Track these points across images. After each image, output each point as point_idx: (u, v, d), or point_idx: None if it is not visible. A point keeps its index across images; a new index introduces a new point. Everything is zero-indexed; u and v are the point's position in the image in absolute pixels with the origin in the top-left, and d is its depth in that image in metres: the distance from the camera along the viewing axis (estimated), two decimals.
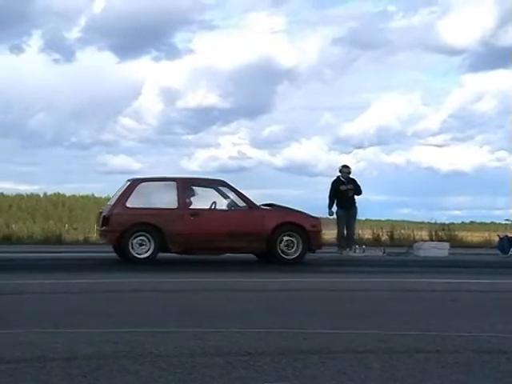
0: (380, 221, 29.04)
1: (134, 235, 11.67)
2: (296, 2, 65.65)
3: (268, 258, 12.15)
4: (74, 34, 70.41)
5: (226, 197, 12.27)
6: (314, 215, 12.84)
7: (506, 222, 20.95)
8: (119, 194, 12.33)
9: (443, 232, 19.88)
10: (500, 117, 63.54)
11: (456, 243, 18.34)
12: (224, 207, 12.25)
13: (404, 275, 10.58)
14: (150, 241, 11.72)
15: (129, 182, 12.40)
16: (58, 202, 60.71)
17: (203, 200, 12.30)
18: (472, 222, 45.83)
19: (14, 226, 24.42)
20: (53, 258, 13.18)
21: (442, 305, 7.30)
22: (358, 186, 14.48)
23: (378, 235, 19.22)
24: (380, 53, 68.09)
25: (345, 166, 14.65)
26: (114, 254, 14.03)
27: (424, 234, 20.52)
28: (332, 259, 13.17)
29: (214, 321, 5.83)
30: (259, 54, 59.32)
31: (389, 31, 60.94)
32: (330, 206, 14.41)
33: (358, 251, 14.37)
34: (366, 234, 19.10)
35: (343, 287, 8.84)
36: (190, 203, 12.12)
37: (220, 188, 12.33)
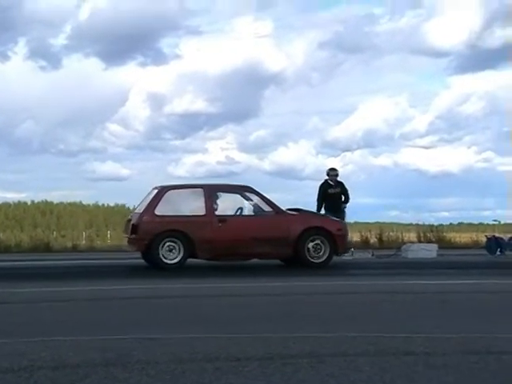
0: (368, 223, 29.17)
1: (163, 242, 11.81)
2: (282, 7, 65.98)
3: (294, 262, 12.28)
4: (60, 40, 70.46)
5: (252, 202, 12.42)
6: (338, 219, 13.06)
7: (494, 223, 21.10)
8: (147, 201, 12.43)
9: (431, 233, 19.97)
10: (487, 118, 64.02)
11: (444, 244, 18.41)
12: (251, 213, 12.41)
13: (393, 277, 10.61)
14: (179, 247, 11.87)
15: (156, 190, 12.53)
16: (45, 209, 60.52)
17: (230, 206, 12.50)
18: (460, 223, 46.06)
19: (1, 234, 24.33)
20: (41, 266, 13.13)
21: (430, 306, 7.32)
22: (346, 190, 14.51)
23: (367, 238, 19.26)
24: (366, 56, 68.53)
25: (332, 169, 14.68)
26: (103, 261, 14.03)
27: (412, 236, 20.59)
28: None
29: (204, 327, 5.83)
30: (246, 59, 59.50)
31: (375, 34, 61.33)
32: (319, 210, 14.41)
33: (346, 254, 14.38)
34: (355, 237, 19.12)
35: (332, 290, 8.85)
36: (217, 210, 12.24)
37: (246, 194, 12.49)
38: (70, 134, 68.96)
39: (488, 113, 63.00)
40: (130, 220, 12.64)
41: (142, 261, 13.97)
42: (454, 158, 70.07)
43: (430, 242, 18.52)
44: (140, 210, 12.51)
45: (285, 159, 62.45)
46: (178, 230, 11.87)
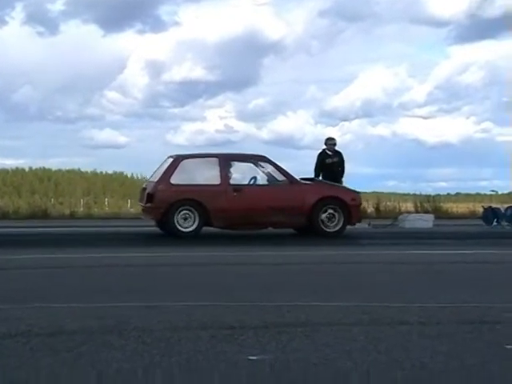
0: (366, 193, 29.16)
1: (179, 210, 11.93)
2: None
3: (307, 231, 12.40)
4: (57, 6, 69.77)
5: (266, 172, 12.49)
6: (353, 189, 13.14)
7: (491, 193, 21.13)
8: (162, 170, 12.51)
9: (428, 204, 20.02)
10: (486, 88, 63.82)
11: (441, 214, 18.50)
12: (265, 182, 12.50)
13: (389, 247, 10.66)
14: (194, 216, 11.99)
15: (171, 159, 12.61)
16: (43, 176, 60.47)
17: (245, 175, 12.60)
18: (458, 194, 46.16)
19: None
20: (39, 232, 13.17)
21: (426, 277, 7.37)
22: (343, 161, 14.47)
23: (364, 207, 19.26)
24: (366, 24, 68.10)
25: (330, 139, 14.62)
26: (101, 229, 14.05)
27: (410, 206, 20.66)
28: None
29: (203, 295, 5.84)
30: (245, 27, 59.04)
31: (375, 3, 60.88)
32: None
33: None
34: None
35: (328, 260, 8.89)
36: (232, 179, 12.33)
37: (261, 163, 12.54)
38: (68, 101, 68.75)
39: (487, 83, 62.83)
40: (145, 189, 12.74)
41: (141, 228, 14.05)
42: (452, 129, 70.04)
43: (426, 212, 18.57)
44: (155, 178, 12.59)
45: (283, 128, 62.38)
46: (193, 199, 11.99)
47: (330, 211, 12.25)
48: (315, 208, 12.17)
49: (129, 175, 64.50)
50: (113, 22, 69.72)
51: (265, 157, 12.71)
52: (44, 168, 60.08)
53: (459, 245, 10.88)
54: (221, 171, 12.23)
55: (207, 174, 12.29)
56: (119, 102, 69.33)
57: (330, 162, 14.30)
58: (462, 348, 3.99)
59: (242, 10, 65.91)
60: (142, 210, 12.97)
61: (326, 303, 5.33)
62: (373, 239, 12.30)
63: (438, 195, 24.86)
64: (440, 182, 55.10)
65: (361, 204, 13.21)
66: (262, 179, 12.54)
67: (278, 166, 12.55)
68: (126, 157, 68.96)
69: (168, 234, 12.20)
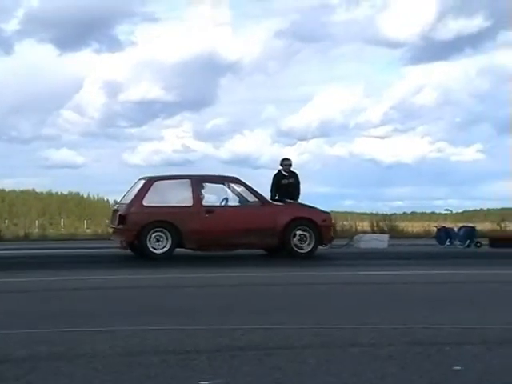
0: None
1: (151, 232, 11.92)
2: None
3: (279, 252, 12.48)
4: (12, 26, 68.99)
5: (238, 193, 12.58)
6: (324, 210, 13.22)
7: (446, 212, 21.44)
8: (134, 192, 12.49)
9: (384, 223, 20.26)
10: (440, 108, 64.92)
11: (397, 234, 18.72)
12: (237, 203, 12.55)
13: (343, 268, 10.76)
14: (167, 237, 11.98)
15: (143, 181, 12.61)
16: None
17: (217, 197, 12.66)
18: (413, 213, 46.74)
19: None
20: None
21: (379, 297, 7.44)
22: (299, 182, 14.54)
23: None
24: (323, 45, 68.70)
25: (285, 159, 14.66)
26: (54, 251, 13.87)
27: (366, 225, 20.86)
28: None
29: (158, 318, 5.81)
30: (203, 47, 59.13)
31: (331, 24, 61.54)
32: (272, 200, 14.43)
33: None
34: None
35: (282, 281, 8.93)
36: (204, 200, 12.38)
37: (232, 184, 12.63)
38: (23, 121, 67.76)
39: (441, 103, 63.89)
40: (116, 210, 12.71)
41: (95, 250, 13.91)
42: (407, 148, 70.89)
43: (382, 231, 18.78)
44: (127, 200, 12.56)
45: (240, 148, 62.39)
46: (166, 220, 12.00)
47: (302, 232, 12.34)
48: (287, 229, 12.26)
49: (85, 195, 63.89)
50: (69, 41, 69.16)
51: (236, 178, 12.81)
52: None
53: (412, 265, 11.02)
54: (193, 192, 12.28)
55: (180, 196, 12.33)
56: (76, 121, 68.49)
57: (286, 183, 14.35)
58: (411, 370, 4.04)
59: (200, 30, 66.12)
60: (113, 231, 12.91)
61: (280, 326, 5.35)
62: (327, 260, 12.39)
63: (394, 214, 25.15)
64: (396, 201, 55.78)
65: (332, 225, 13.36)
66: (233, 200, 12.62)
67: (250, 187, 12.65)
68: (83, 177, 68.24)
69: (140, 256, 12.17)
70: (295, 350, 4.54)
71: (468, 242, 15.37)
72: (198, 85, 59.10)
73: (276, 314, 6.06)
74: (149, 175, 12.89)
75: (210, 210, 12.25)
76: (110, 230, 13.42)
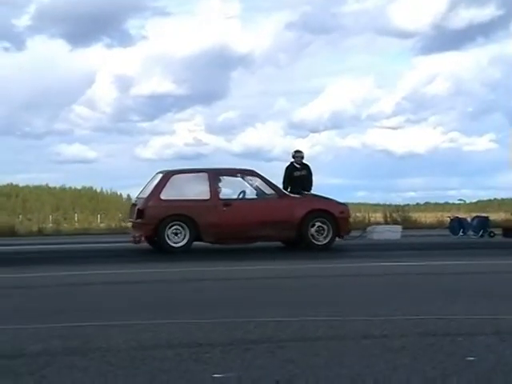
0: None
1: (169, 226, 12.00)
2: None
3: (296, 244, 12.54)
4: (23, 21, 69.35)
5: (255, 186, 12.64)
6: (342, 202, 13.26)
7: (459, 202, 21.33)
8: (152, 186, 12.58)
9: (397, 214, 20.19)
10: (452, 98, 64.72)
11: (410, 225, 18.67)
12: (254, 196, 12.62)
13: (357, 259, 10.75)
14: (184, 231, 12.07)
15: (161, 175, 12.70)
16: (11, 192, 59.82)
17: (234, 190, 12.75)
18: (426, 203, 46.66)
19: None
20: (5, 251, 13.01)
21: (392, 288, 7.44)
22: (311, 174, 14.53)
23: None
24: (333, 37, 68.65)
25: (297, 151, 14.66)
26: (68, 246, 13.95)
27: (379, 216, 20.81)
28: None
29: (171, 312, 5.84)
30: (213, 40, 59.21)
31: (342, 15, 61.44)
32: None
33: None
34: None
35: (297, 274, 8.93)
36: (221, 193, 12.47)
37: (249, 177, 12.69)
38: (36, 117, 68.17)
39: (453, 93, 63.71)
40: (134, 205, 12.83)
41: (109, 245, 13.97)
42: (420, 139, 70.75)
43: (395, 222, 18.74)
44: (145, 194, 12.66)
45: (253, 140, 62.51)
46: (184, 214, 12.08)
47: (319, 224, 12.37)
48: (304, 221, 12.30)
49: (98, 190, 64.13)
50: (80, 36, 69.53)
51: (253, 171, 12.86)
52: (12, 184, 59.48)
53: (425, 256, 11.00)
54: (210, 186, 12.34)
55: (197, 189, 12.40)
56: (88, 116, 68.96)
57: (299, 175, 14.35)
58: (424, 361, 4.04)
59: (211, 24, 66.10)
60: (132, 225, 13.03)
61: (293, 318, 5.35)
62: (341, 251, 12.37)
63: (408, 205, 25.05)
64: (409, 191, 55.77)
65: (349, 217, 13.40)
66: (250, 193, 12.69)
67: (267, 180, 12.70)
68: (95, 171, 68.56)
69: (159, 250, 12.25)
70: (308, 342, 4.55)
71: (481, 232, 15.32)
72: (209, 78, 59.22)
73: (288, 307, 6.07)
74: (166, 169, 12.97)
75: (228, 203, 12.31)
76: (129, 224, 13.53)
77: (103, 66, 71.66)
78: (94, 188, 63.61)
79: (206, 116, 70.61)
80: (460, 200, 21.24)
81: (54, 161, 67.68)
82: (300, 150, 14.80)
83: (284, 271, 9.24)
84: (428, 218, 23.52)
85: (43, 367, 3.93)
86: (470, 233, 15.44)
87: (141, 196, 12.92)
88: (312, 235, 12.35)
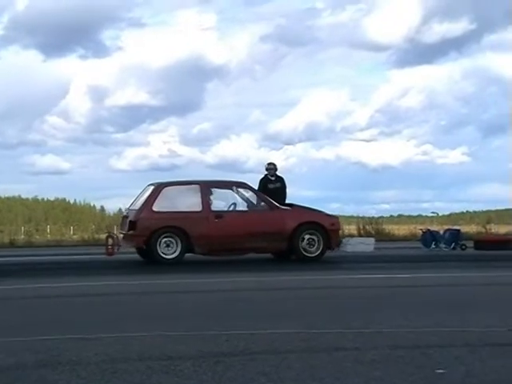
0: None
1: (161, 237, 12.05)
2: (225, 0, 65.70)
3: (286, 256, 12.69)
4: None
5: (246, 198, 12.76)
6: (332, 214, 13.39)
7: (432, 215, 21.51)
8: (143, 198, 12.64)
9: (371, 226, 20.32)
10: (425, 111, 65.40)
11: (383, 237, 18.80)
12: (245, 208, 12.71)
13: (330, 272, 10.80)
14: (176, 242, 12.11)
15: (152, 187, 12.75)
16: None
17: (225, 202, 12.80)
18: (400, 216, 46.99)
19: None
20: None
21: (364, 301, 7.47)
22: (285, 187, 14.56)
23: None
24: (308, 49, 69.10)
25: (270, 164, 14.68)
26: (39, 258, 13.81)
27: (353, 229, 20.91)
28: (259, 258, 13.24)
29: (141, 325, 5.81)
30: (189, 52, 59.28)
31: (317, 28, 61.90)
32: None
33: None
34: None
35: (269, 286, 8.93)
36: (213, 205, 12.53)
37: (240, 189, 12.82)
38: (9, 127, 67.60)
39: (426, 106, 64.40)
40: (126, 216, 12.87)
41: (81, 257, 13.87)
42: (393, 151, 71.42)
43: (369, 234, 18.84)
44: (136, 206, 12.70)
45: (227, 152, 62.57)
46: (176, 226, 12.13)
47: (310, 236, 12.47)
48: (296, 233, 12.40)
49: (71, 201, 63.63)
50: (54, 47, 69.20)
51: (244, 183, 13.01)
52: None
53: (397, 268, 11.06)
54: (202, 198, 12.41)
55: (189, 201, 12.46)
56: (61, 127, 68.57)
57: (273, 187, 14.37)
58: (394, 373, 4.07)
59: (186, 35, 66.18)
60: (123, 237, 13.04)
61: (265, 331, 5.36)
62: (314, 264, 12.39)
63: (381, 217, 25.28)
64: (383, 204, 56.16)
65: (340, 229, 13.53)
66: (242, 205, 12.78)
67: (258, 192, 12.82)
68: (69, 183, 68.07)
69: (150, 262, 12.27)
70: (280, 355, 4.55)
71: (453, 244, 15.45)
72: (185, 89, 59.20)
73: (261, 319, 6.08)
74: (157, 181, 13.03)
75: (219, 214, 12.39)
76: (120, 236, 13.60)
77: (77, 77, 71.30)
78: (67, 199, 63.16)
79: (180, 127, 70.58)
80: (433, 213, 21.42)
81: (27, 172, 67.25)
82: (273, 162, 14.82)
83: (255, 283, 9.24)
84: (401, 230, 23.68)
85: (14, 381, 3.90)
86: (442, 245, 15.57)
87: (132, 208, 12.97)
88: (303, 247, 12.46)
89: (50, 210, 60.88)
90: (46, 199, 62.16)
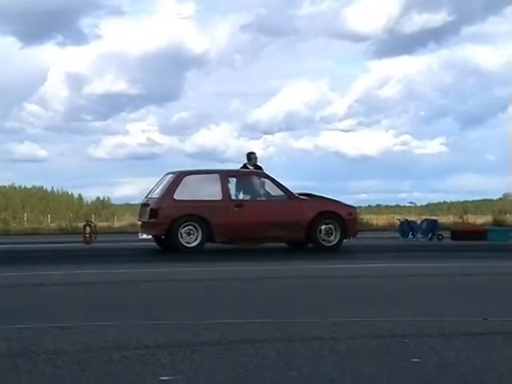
0: None
1: (182, 226, 12.09)
2: None
3: (303, 246, 12.80)
4: None
5: (265, 188, 12.82)
6: (349, 204, 13.55)
7: (410, 205, 21.65)
8: (163, 186, 12.66)
9: None
10: (404, 102, 65.73)
11: (361, 227, 18.81)
12: (264, 198, 12.78)
13: (306, 262, 10.83)
14: (197, 231, 12.16)
15: (173, 175, 12.78)
16: None
17: (245, 191, 12.88)
18: (378, 206, 47.28)
19: None
20: None
21: (340, 290, 7.50)
22: None
23: None
24: (288, 39, 68.97)
25: (252, 153, 14.71)
26: (16, 246, 13.71)
27: None
28: (234, 248, 13.23)
29: (117, 314, 5.79)
30: (168, 40, 58.97)
31: (297, 18, 61.80)
32: None
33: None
34: None
35: (243, 276, 8.93)
36: (233, 194, 12.70)
37: (260, 179, 12.90)
38: None
39: (405, 97, 64.66)
40: (146, 204, 12.86)
41: (58, 245, 13.79)
42: (372, 141, 71.69)
43: None
44: (156, 194, 12.73)
45: (206, 141, 62.46)
46: (197, 214, 12.18)
47: (328, 226, 12.54)
48: (314, 223, 12.46)
49: (49, 189, 63.18)
50: (32, 34, 68.36)
51: (264, 173, 13.19)
52: None
53: (374, 258, 11.14)
54: (222, 187, 12.49)
55: (209, 190, 12.54)
56: (39, 114, 67.83)
57: None
58: (370, 363, 4.09)
59: (165, 24, 65.80)
60: (142, 225, 13.12)
61: (242, 320, 5.36)
62: (292, 254, 12.45)
63: (359, 207, 25.41)
64: (361, 194, 56.27)
65: (357, 218, 13.66)
66: (261, 195, 12.87)
67: (277, 182, 12.87)
68: (46, 170, 67.57)
69: (170, 250, 12.31)
70: (256, 344, 4.55)
71: (430, 234, 15.58)
72: (164, 78, 58.92)
73: (239, 309, 6.09)
74: (177, 170, 13.08)
75: (239, 203, 12.47)
76: (139, 224, 13.63)
77: (56, 64, 70.67)
78: (45, 187, 62.69)
79: (159, 116, 70.38)
80: (411, 203, 21.59)
81: (4, 159, 66.44)
82: (253, 151, 14.85)
83: (234, 273, 9.25)
84: (379, 220, 23.85)
85: None
86: (419, 235, 15.69)
87: (151, 196, 12.98)
88: (321, 237, 12.52)
89: (27, 197, 60.41)
90: (23, 187, 61.70)
